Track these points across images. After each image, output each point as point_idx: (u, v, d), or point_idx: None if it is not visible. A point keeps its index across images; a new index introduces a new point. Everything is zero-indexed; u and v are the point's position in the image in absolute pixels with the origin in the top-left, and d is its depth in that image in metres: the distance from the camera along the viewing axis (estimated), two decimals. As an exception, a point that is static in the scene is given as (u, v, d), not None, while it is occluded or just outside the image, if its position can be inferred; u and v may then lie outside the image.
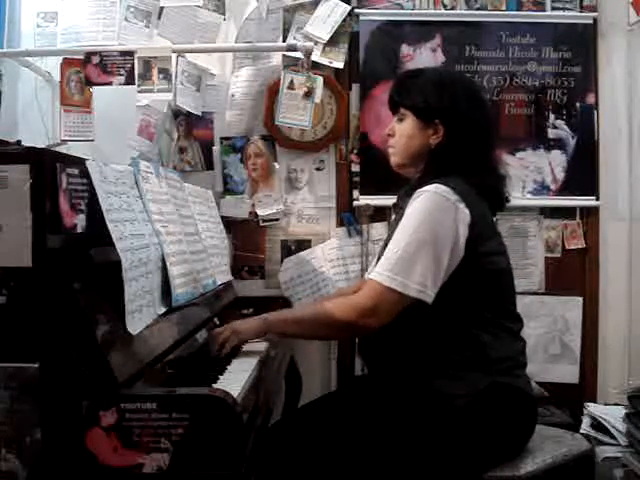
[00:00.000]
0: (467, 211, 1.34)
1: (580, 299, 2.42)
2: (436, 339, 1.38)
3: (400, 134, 1.52)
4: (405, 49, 2.38)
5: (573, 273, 2.42)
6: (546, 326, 2.41)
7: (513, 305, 1.47)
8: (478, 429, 1.34)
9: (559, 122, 2.41)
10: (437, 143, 1.46)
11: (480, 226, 1.37)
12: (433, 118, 1.46)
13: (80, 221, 1.10)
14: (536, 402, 1.47)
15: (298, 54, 2.18)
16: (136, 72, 2.05)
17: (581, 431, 1.91)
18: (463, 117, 1.45)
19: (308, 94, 2.14)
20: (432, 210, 1.34)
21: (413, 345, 1.39)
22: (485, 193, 1.45)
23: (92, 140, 2.18)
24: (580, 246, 2.41)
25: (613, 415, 1.92)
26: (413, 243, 1.32)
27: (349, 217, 2.39)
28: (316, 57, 2.29)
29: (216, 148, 2.39)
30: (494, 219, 1.50)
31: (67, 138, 2.15)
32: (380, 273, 1.34)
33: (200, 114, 2.30)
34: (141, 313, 1.19)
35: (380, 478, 1.34)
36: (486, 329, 1.38)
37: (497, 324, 1.40)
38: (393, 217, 1.66)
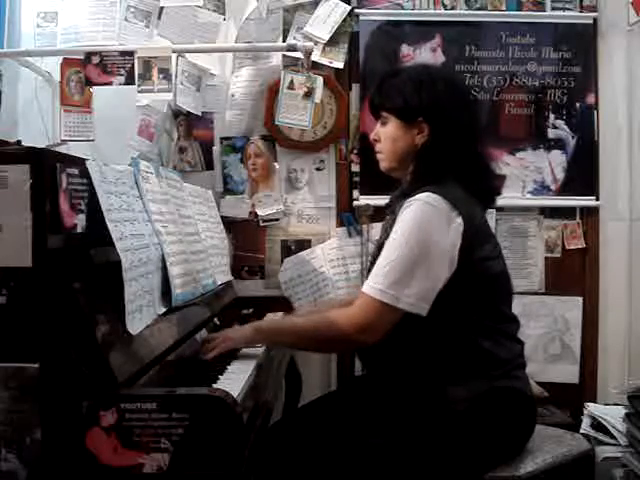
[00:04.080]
0: (460, 220, 1.32)
1: (580, 299, 2.41)
2: (435, 347, 1.37)
3: (385, 137, 1.48)
4: (405, 49, 2.38)
5: (573, 273, 2.42)
6: (546, 326, 2.41)
7: (509, 307, 1.46)
8: (477, 431, 1.34)
9: (559, 122, 2.41)
10: (423, 142, 1.43)
11: (473, 232, 1.34)
12: (416, 117, 1.42)
13: (80, 221, 1.10)
14: (535, 403, 1.47)
15: (298, 54, 2.18)
16: (136, 72, 2.05)
17: (581, 431, 1.91)
18: (446, 113, 1.42)
19: (308, 94, 2.14)
20: (423, 221, 1.31)
21: (412, 353, 1.38)
22: (478, 193, 1.44)
23: (92, 140, 2.18)
24: (580, 246, 2.41)
25: (613, 415, 1.92)
26: (405, 256, 1.30)
27: (349, 217, 2.39)
28: (316, 57, 2.29)
29: (216, 148, 2.39)
30: (486, 219, 1.47)
31: (67, 138, 2.15)
32: (372, 286, 1.32)
33: (200, 114, 2.31)
34: (141, 313, 1.19)
35: (380, 479, 1.34)
36: (485, 335, 1.37)
37: (495, 329, 1.39)
38: (386, 219, 1.64)
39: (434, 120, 1.42)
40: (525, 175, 2.41)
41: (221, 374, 1.32)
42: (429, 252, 1.30)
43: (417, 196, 1.34)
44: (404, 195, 1.42)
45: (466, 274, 1.34)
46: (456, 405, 1.34)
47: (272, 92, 2.30)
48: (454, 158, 1.41)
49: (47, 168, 1.02)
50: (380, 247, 1.48)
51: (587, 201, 2.41)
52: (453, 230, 1.31)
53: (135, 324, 1.15)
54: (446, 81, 1.49)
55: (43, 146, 1.14)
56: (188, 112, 2.29)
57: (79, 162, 1.12)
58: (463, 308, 1.36)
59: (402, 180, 1.53)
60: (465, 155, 1.43)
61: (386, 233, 1.46)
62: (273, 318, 1.68)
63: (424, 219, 1.31)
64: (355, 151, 2.39)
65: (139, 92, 2.08)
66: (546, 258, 2.42)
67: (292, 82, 2.16)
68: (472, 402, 1.34)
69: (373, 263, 1.51)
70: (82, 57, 2.08)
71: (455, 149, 1.42)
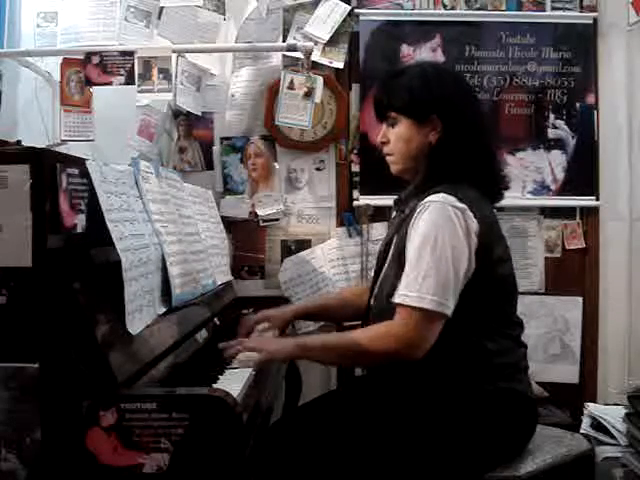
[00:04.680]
0: (476, 221, 1.31)
1: (580, 299, 2.41)
2: (441, 348, 1.34)
3: (396, 139, 1.45)
4: (405, 49, 2.38)
5: (573, 273, 2.42)
6: (546, 326, 2.41)
7: (515, 310, 1.46)
8: (479, 432, 1.34)
9: (559, 122, 2.41)
10: (437, 139, 1.41)
11: (488, 234, 1.34)
12: (428, 114, 1.40)
13: (80, 221, 1.10)
14: (536, 404, 1.47)
15: (298, 54, 2.18)
16: (136, 72, 2.05)
17: (581, 431, 1.90)
18: (457, 107, 1.41)
19: (308, 94, 2.14)
20: (444, 223, 1.29)
21: None
22: (489, 192, 1.43)
23: (92, 140, 2.18)
24: (580, 246, 2.41)
25: (613, 415, 1.91)
26: (436, 260, 1.27)
27: (349, 217, 2.39)
28: (316, 57, 2.29)
29: (216, 148, 2.39)
30: (497, 220, 1.46)
31: (67, 138, 2.15)
32: (411, 296, 1.28)
33: (200, 114, 2.31)
34: (141, 313, 1.19)
35: (380, 478, 1.34)
36: (491, 338, 1.37)
37: (501, 333, 1.39)
38: (393, 215, 1.62)
39: (446, 115, 1.40)
40: (525, 175, 2.41)
41: (221, 374, 1.32)
42: (455, 253, 1.29)
43: (432, 197, 1.32)
44: (416, 194, 1.41)
45: (478, 276, 1.33)
46: (458, 406, 1.34)
47: (272, 92, 2.30)
48: (467, 154, 1.40)
49: (47, 168, 1.02)
50: (388, 245, 1.47)
51: (587, 201, 2.41)
52: (472, 230, 1.31)
53: (135, 324, 1.15)
54: (452, 76, 1.49)
55: (43, 146, 1.14)
56: (188, 112, 2.29)
57: (79, 162, 1.12)
58: (470, 310, 1.34)
59: (410, 180, 1.51)
60: (477, 151, 1.42)
61: (395, 231, 1.45)
62: (314, 334, 1.62)
63: (444, 221, 1.30)
64: (355, 151, 2.39)
65: (139, 92, 2.08)
66: (546, 258, 2.42)
67: (292, 82, 2.15)
68: (474, 403, 1.34)
69: (381, 262, 1.50)
70: (82, 57, 2.08)
71: (468, 145, 1.40)
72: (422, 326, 1.28)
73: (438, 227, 1.29)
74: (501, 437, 1.37)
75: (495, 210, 1.48)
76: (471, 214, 1.31)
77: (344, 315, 1.79)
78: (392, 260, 1.43)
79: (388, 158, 1.50)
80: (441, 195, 1.32)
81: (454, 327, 1.33)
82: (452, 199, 1.31)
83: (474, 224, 1.31)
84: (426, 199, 1.33)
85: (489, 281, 1.36)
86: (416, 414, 1.35)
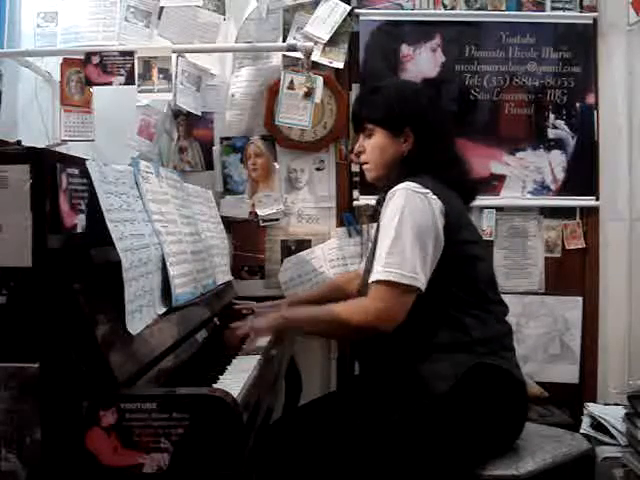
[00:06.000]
0: (439, 201, 1.41)
1: (580, 299, 2.41)
2: (420, 325, 1.41)
3: (372, 148, 1.59)
4: (405, 49, 2.38)
5: (573, 273, 2.42)
6: (546, 326, 2.41)
7: (493, 291, 1.51)
8: (467, 411, 1.37)
9: (559, 122, 2.41)
10: (409, 149, 1.54)
11: (453, 215, 1.44)
12: (403, 127, 1.53)
13: (80, 221, 1.10)
14: (524, 385, 1.50)
15: (298, 54, 2.18)
16: (136, 72, 2.05)
17: (581, 431, 1.91)
18: (428, 121, 1.54)
19: (308, 94, 2.14)
20: (408, 204, 1.40)
21: (398, 333, 1.41)
22: (454, 185, 1.51)
23: (92, 140, 2.18)
24: (580, 246, 2.41)
25: (613, 415, 1.92)
26: (398, 237, 1.38)
27: (349, 217, 2.39)
28: (316, 57, 2.29)
29: (216, 148, 2.39)
30: (466, 211, 1.57)
31: (67, 138, 2.15)
32: (378, 272, 1.39)
33: (200, 114, 2.30)
34: (141, 313, 1.19)
35: (380, 475, 1.34)
36: (467, 312, 1.43)
37: (478, 307, 1.45)
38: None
39: (419, 128, 1.53)
40: (525, 175, 2.42)
41: (221, 373, 1.32)
42: (419, 230, 1.38)
43: (397, 186, 1.44)
44: (386, 193, 1.49)
45: (448, 254, 1.42)
46: (443, 382, 1.37)
47: (272, 92, 2.30)
48: (435, 161, 1.52)
49: (47, 168, 1.02)
50: (374, 246, 1.52)
51: (587, 201, 2.41)
52: (436, 209, 1.41)
53: (135, 324, 1.15)
54: (424, 93, 1.63)
55: (43, 146, 1.14)
56: (188, 112, 2.29)
57: (79, 162, 1.12)
58: (445, 286, 1.42)
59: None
60: (443, 157, 1.54)
61: (377, 232, 1.52)
62: (298, 308, 1.78)
63: (408, 202, 1.40)
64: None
65: (139, 92, 2.08)
66: (546, 258, 2.42)
67: (292, 82, 2.16)
68: (458, 380, 1.37)
69: (370, 262, 1.54)
70: (82, 57, 2.09)
71: (435, 153, 1.53)
72: (390, 298, 1.38)
73: (401, 209, 1.40)
74: (489, 418, 1.39)
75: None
76: (434, 196, 1.42)
77: (335, 301, 1.83)
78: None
79: (364, 166, 1.64)
80: (405, 183, 1.43)
81: (429, 303, 1.40)
82: (414, 185, 1.42)
83: (438, 203, 1.42)
84: (392, 189, 1.45)
85: (459, 259, 1.44)
86: (404, 404, 1.38)
